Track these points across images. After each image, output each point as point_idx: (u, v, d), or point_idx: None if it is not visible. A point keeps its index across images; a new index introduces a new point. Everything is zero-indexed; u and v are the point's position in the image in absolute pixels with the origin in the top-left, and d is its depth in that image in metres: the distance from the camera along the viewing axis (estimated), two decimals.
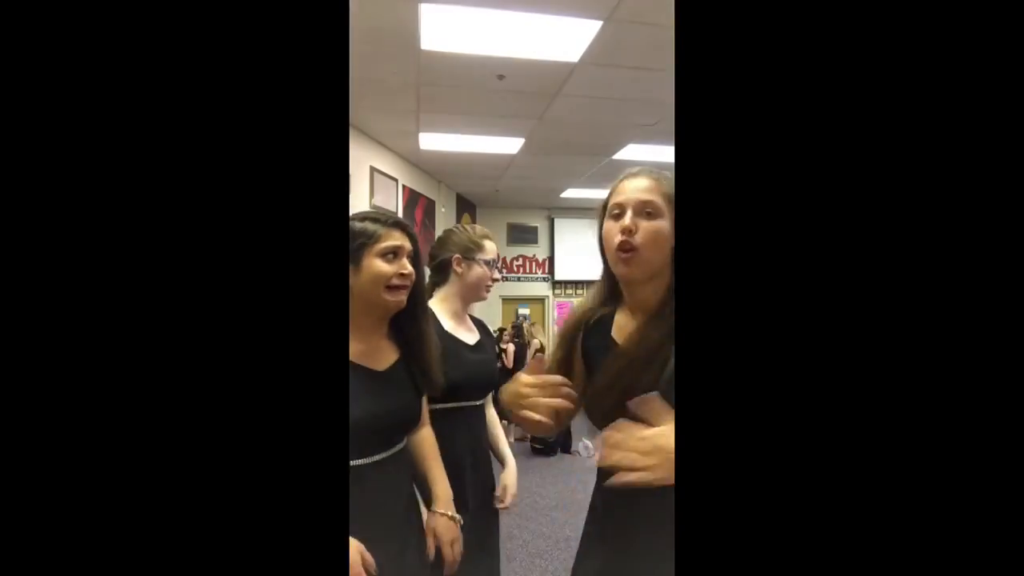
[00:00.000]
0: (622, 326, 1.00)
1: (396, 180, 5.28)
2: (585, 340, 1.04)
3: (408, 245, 1.16)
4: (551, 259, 8.57)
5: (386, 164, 5.08)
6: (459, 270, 1.53)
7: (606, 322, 1.02)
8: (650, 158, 5.24)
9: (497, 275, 1.58)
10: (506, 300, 8.43)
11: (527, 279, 8.67)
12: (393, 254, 1.12)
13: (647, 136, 4.70)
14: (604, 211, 0.99)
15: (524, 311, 8.12)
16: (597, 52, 3.14)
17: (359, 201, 4.57)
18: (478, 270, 1.54)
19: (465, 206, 7.51)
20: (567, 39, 3.00)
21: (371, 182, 4.78)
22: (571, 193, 7.22)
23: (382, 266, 1.11)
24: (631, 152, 5.12)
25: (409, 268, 1.14)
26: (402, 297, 1.14)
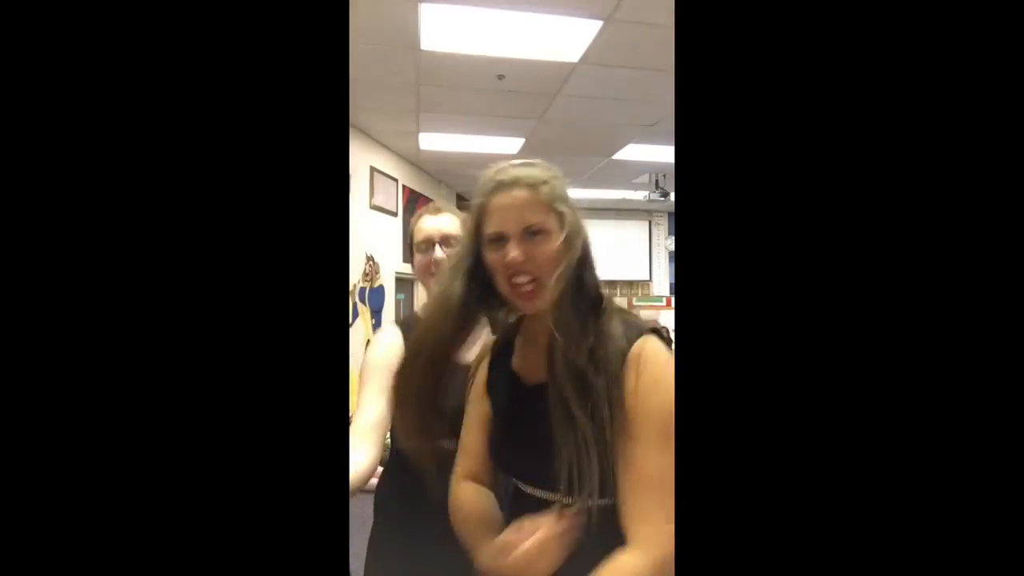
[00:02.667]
0: (525, 355, 0.86)
1: (396, 180, 5.27)
2: (490, 373, 0.90)
3: None
4: (465, 223, 8.46)
5: (386, 164, 5.07)
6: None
7: (506, 350, 0.87)
8: (650, 158, 5.24)
9: (440, 253, 1.22)
10: None
11: None
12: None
13: (647, 136, 4.69)
14: (476, 226, 0.81)
15: None
16: (597, 52, 3.13)
17: (359, 201, 4.57)
18: (416, 260, 1.27)
19: (465, 206, 7.50)
20: (567, 39, 2.99)
21: (371, 182, 4.78)
22: (571, 193, 7.18)
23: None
24: (631, 152, 5.11)
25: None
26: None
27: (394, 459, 1.23)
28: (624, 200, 7.42)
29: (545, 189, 0.79)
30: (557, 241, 0.78)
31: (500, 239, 0.78)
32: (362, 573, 1.23)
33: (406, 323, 1.24)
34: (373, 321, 4.63)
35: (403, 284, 5.45)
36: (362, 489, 1.05)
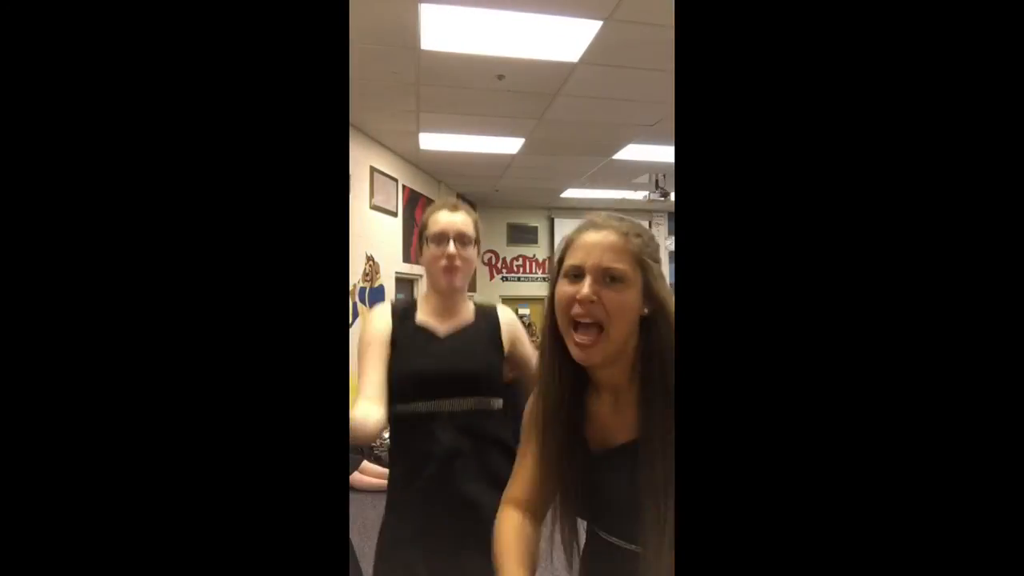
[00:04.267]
0: (594, 417, 0.83)
1: (396, 180, 5.28)
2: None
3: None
4: (551, 259, 8.54)
5: (386, 164, 5.08)
6: (420, 258, 1.35)
7: (574, 412, 0.83)
8: (650, 158, 5.24)
9: (452, 248, 1.25)
10: (506, 300, 8.43)
11: (527, 279, 8.68)
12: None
13: (647, 136, 4.70)
14: (559, 268, 0.80)
15: (524, 311, 8.13)
16: (597, 52, 3.14)
17: (359, 201, 4.57)
18: (427, 251, 1.30)
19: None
20: (567, 39, 3.00)
21: (371, 182, 4.78)
22: (571, 193, 7.22)
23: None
24: (631, 152, 5.12)
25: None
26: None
27: (402, 456, 1.25)
28: (624, 200, 7.42)
29: (634, 239, 0.77)
30: (634, 293, 0.76)
31: (576, 272, 0.77)
32: (371, 574, 1.24)
33: (401, 303, 1.36)
34: None
35: (403, 284, 5.46)
36: (369, 444, 1.13)
